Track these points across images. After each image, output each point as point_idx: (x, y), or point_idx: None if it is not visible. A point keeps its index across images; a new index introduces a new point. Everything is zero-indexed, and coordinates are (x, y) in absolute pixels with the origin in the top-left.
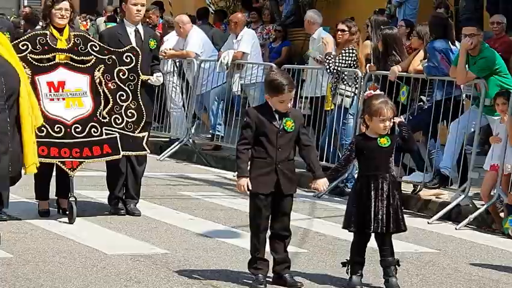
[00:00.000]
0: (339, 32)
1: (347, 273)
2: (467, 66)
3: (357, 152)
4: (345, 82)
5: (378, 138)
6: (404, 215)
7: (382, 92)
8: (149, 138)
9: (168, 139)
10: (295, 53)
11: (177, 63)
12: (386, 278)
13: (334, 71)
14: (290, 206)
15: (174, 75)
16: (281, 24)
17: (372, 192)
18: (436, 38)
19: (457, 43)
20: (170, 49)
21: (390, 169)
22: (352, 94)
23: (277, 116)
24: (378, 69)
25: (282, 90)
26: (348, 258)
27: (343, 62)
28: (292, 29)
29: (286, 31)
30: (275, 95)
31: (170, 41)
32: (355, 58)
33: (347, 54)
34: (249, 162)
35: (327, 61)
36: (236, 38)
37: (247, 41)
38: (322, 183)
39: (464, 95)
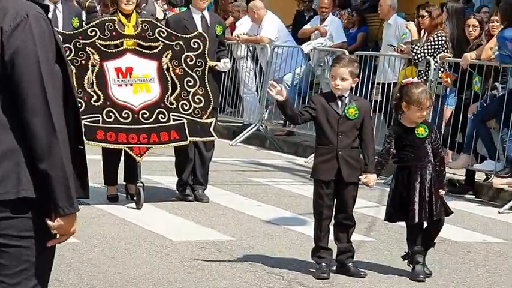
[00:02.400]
0: (420, 19)
1: (408, 265)
2: None
3: (396, 142)
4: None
5: (416, 129)
6: (476, 204)
7: (421, 80)
8: (222, 123)
9: (241, 124)
10: (371, 38)
11: (251, 48)
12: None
13: (422, 58)
14: (353, 194)
15: (247, 60)
16: (356, 9)
17: (416, 183)
18: (507, 25)
19: None
20: (244, 34)
21: (430, 157)
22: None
23: (339, 103)
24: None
25: (332, 65)
26: (406, 251)
27: (432, 48)
28: (367, 14)
29: (364, 17)
30: (330, 70)
31: (244, 25)
32: (444, 43)
33: (435, 41)
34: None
35: (413, 49)
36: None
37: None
38: (373, 179)
39: None
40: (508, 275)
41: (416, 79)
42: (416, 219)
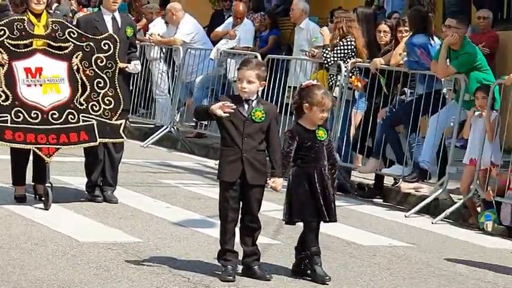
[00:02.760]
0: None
1: (307, 267)
2: (448, 60)
3: (296, 144)
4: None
5: (316, 131)
6: (384, 208)
7: (320, 83)
8: (134, 125)
9: (153, 126)
10: (283, 42)
11: (164, 50)
12: (314, 268)
13: (332, 63)
14: (258, 197)
15: (160, 62)
16: (269, 12)
17: (317, 184)
18: (416, 32)
19: (435, 38)
20: (159, 35)
21: (326, 160)
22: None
23: (246, 106)
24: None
25: (239, 68)
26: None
27: (342, 53)
28: (281, 18)
29: (276, 20)
30: (237, 73)
31: (157, 27)
32: (353, 48)
33: (345, 46)
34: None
35: (324, 54)
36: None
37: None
38: (280, 183)
39: (445, 89)
40: (412, 279)
41: (315, 81)
42: (313, 220)
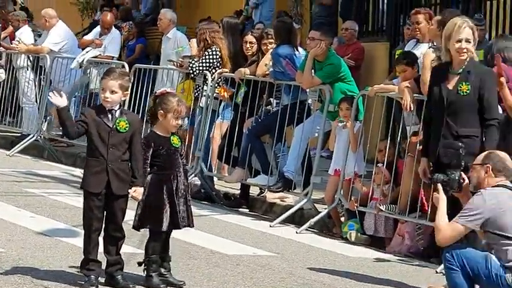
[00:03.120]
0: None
1: (144, 271)
2: (313, 71)
3: (152, 150)
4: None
5: (171, 138)
6: (250, 218)
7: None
8: (0, 133)
9: (19, 134)
10: (152, 51)
11: (31, 58)
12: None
13: (197, 72)
14: (123, 207)
15: (28, 70)
16: (138, 22)
17: (174, 190)
18: (281, 43)
19: (300, 49)
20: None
21: (181, 167)
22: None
23: (110, 116)
24: None
25: (103, 77)
26: (145, 258)
27: (208, 63)
28: (149, 27)
29: (143, 29)
30: (101, 82)
31: (24, 34)
32: (219, 59)
33: (210, 56)
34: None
35: (191, 64)
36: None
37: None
38: (141, 193)
39: (310, 100)
40: (274, 287)
41: (170, 89)
42: (165, 227)
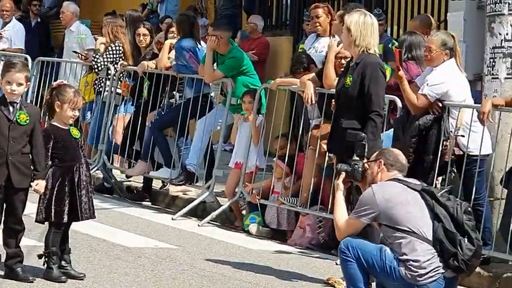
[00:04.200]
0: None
1: (43, 264)
2: (215, 65)
3: (53, 143)
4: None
5: (70, 129)
6: (152, 211)
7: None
8: None
9: None
10: (56, 44)
11: None
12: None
13: (101, 67)
14: (23, 199)
15: None
16: (42, 15)
17: (76, 182)
18: (184, 36)
19: (203, 42)
20: None
21: (83, 158)
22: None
23: (11, 109)
24: None
25: (7, 70)
26: (45, 250)
27: (111, 57)
28: (53, 20)
29: (48, 22)
30: (4, 75)
31: None
32: (121, 53)
33: (113, 50)
34: None
35: (94, 58)
36: None
37: None
38: (43, 186)
39: (213, 93)
40: (175, 279)
41: (65, 81)
42: (66, 219)
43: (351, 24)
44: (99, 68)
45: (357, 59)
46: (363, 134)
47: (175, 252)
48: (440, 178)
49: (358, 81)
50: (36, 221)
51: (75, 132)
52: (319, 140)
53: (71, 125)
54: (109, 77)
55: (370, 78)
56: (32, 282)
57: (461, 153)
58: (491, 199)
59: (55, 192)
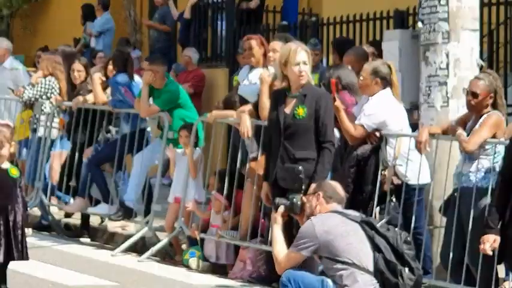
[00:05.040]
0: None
1: None
2: (151, 99)
3: None
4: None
5: (8, 169)
6: (92, 247)
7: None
8: None
9: None
10: None
11: None
12: None
13: (31, 101)
14: None
15: None
16: None
17: (9, 223)
18: (118, 71)
19: (136, 76)
20: None
21: (21, 198)
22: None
23: None
24: None
25: None
26: None
27: (44, 92)
28: None
29: None
30: None
31: None
32: (57, 88)
33: (44, 85)
34: None
35: (24, 91)
36: None
37: None
38: None
39: (149, 128)
40: None
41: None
42: (1, 259)
43: None
44: (25, 98)
45: (303, 89)
46: (300, 168)
47: None
48: (379, 208)
49: (313, 113)
50: None
51: (13, 171)
52: (256, 172)
53: (12, 163)
54: (43, 112)
55: (325, 109)
56: None
57: (400, 182)
58: (431, 227)
59: None
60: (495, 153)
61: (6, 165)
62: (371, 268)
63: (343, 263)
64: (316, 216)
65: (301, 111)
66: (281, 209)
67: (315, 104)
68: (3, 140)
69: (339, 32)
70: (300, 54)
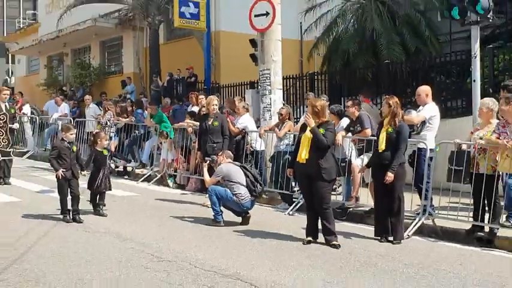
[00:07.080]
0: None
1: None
2: (151, 119)
3: None
4: None
5: (102, 150)
6: (131, 181)
7: None
8: None
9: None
10: None
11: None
12: None
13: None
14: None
15: (27, 122)
16: None
17: (106, 172)
18: (138, 108)
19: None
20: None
21: (107, 165)
22: None
23: None
24: None
25: None
26: None
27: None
28: None
29: None
30: None
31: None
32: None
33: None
34: None
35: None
36: None
37: None
38: None
39: (151, 130)
40: None
41: None
42: (103, 189)
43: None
44: (102, 121)
45: (214, 115)
46: (215, 145)
47: None
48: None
49: (220, 124)
50: None
51: (104, 152)
52: (196, 148)
53: (104, 148)
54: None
55: (222, 121)
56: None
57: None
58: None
59: None
60: None
61: (101, 149)
62: (244, 184)
63: (234, 182)
64: (223, 164)
65: (215, 123)
66: (207, 162)
67: (221, 120)
68: (105, 137)
69: (232, 92)
70: (215, 100)
